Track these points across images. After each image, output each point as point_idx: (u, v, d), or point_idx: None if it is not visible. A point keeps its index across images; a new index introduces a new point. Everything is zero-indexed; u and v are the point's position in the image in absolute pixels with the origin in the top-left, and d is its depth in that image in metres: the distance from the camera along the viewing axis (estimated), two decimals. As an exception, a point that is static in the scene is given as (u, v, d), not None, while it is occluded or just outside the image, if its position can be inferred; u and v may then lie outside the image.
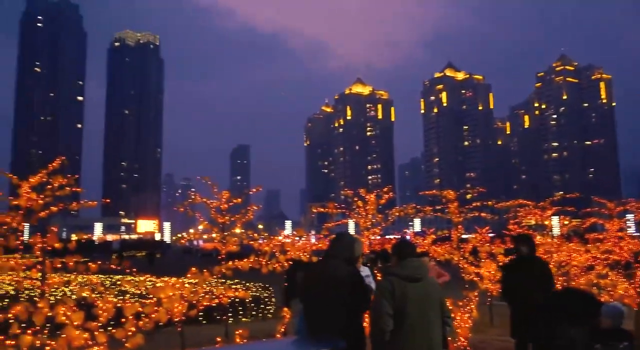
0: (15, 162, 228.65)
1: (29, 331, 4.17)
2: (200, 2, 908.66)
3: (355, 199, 11.89)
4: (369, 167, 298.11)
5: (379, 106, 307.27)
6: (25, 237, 7.06)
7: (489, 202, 15.49)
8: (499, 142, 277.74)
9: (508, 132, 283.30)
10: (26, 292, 11.93)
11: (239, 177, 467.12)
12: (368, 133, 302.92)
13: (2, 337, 4.07)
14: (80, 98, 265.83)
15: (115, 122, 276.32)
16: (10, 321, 4.27)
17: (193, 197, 11.20)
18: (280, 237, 11.47)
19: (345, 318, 4.35)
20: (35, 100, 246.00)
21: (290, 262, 7.77)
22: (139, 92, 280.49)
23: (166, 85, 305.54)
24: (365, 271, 6.39)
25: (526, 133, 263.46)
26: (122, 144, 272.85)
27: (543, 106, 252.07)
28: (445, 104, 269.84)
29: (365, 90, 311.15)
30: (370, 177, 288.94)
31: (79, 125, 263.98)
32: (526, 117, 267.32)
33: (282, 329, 6.92)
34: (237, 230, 11.56)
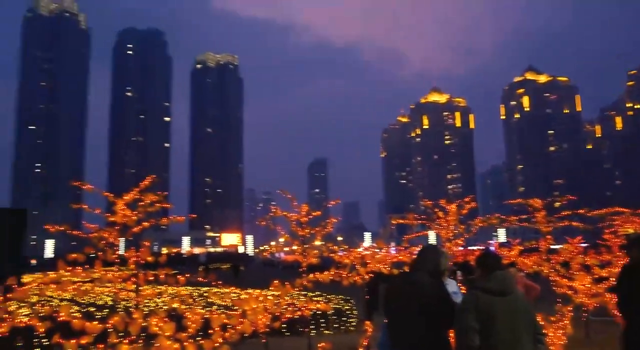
0: (111, 181, 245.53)
1: (126, 341, 4.40)
2: (276, 21, 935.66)
3: (436, 209, 11.61)
4: (449, 176, 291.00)
5: (457, 114, 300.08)
6: (121, 251, 7.51)
7: (581, 211, 14.52)
8: (589, 146, 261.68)
9: (599, 135, 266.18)
10: (123, 303, 12.65)
11: (317, 190, 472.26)
12: (446, 142, 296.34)
13: (102, 345, 4.32)
14: (167, 119, 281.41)
15: (199, 140, 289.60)
16: (109, 330, 4.53)
17: (274, 210, 11.42)
18: (360, 249, 11.39)
19: (430, 333, 4.21)
20: (128, 123, 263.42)
21: (371, 275, 7.69)
22: (221, 110, 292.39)
23: (245, 102, 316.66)
24: (452, 286, 6.15)
25: (619, 135, 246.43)
26: (206, 161, 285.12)
27: (637, 106, 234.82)
28: (527, 109, 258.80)
29: (441, 98, 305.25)
30: (450, 187, 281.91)
31: (167, 145, 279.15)
32: (618, 119, 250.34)
33: (365, 343, 6.84)
34: (317, 243, 11.63)
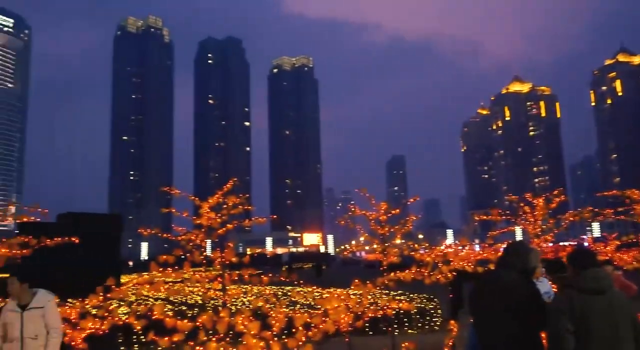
0: (196, 186, 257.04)
1: (214, 339, 4.57)
2: (348, 20, 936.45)
3: (522, 204, 11.08)
4: (535, 169, 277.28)
5: (542, 103, 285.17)
6: (208, 252, 7.81)
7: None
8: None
9: None
10: (211, 302, 13.17)
11: (395, 188, 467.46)
12: (531, 133, 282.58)
13: (192, 343, 4.52)
14: (247, 123, 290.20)
15: (278, 143, 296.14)
16: (199, 328, 4.72)
17: (353, 209, 11.42)
18: (442, 247, 11.12)
19: (520, 334, 4.01)
20: (210, 129, 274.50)
21: (455, 273, 7.48)
22: (297, 112, 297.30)
23: (321, 103, 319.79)
24: (544, 286, 5.81)
25: None
26: (285, 162, 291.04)
27: None
28: (620, 94, 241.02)
29: (524, 87, 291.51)
30: (536, 180, 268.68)
31: (247, 148, 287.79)
32: None
33: (450, 343, 6.66)
34: (397, 241, 11.48)
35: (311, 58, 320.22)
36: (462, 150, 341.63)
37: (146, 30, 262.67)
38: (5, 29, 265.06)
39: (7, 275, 5.15)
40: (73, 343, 5.25)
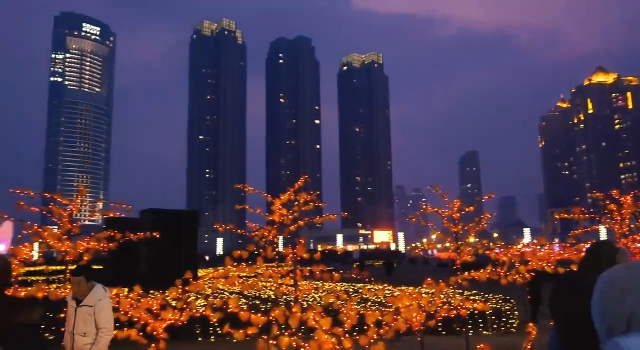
0: (268, 183, 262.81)
1: (286, 333, 4.64)
2: (417, 14, 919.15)
3: (607, 202, 10.42)
4: (621, 164, 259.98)
5: (628, 94, 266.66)
6: (280, 248, 7.95)
7: None
8: None
9: None
10: (284, 297, 13.41)
11: (468, 185, 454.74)
12: (616, 126, 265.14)
13: (265, 336, 4.61)
14: (317, 121, 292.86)
15: (348, 140, 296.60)
16: (272, 322, 4.82)
17: (424, 207, 11.22)
18: (519, 246, 10.67)
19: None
20: (282, 128, 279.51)
21: (533, 274, 7.15)
22: (367, 109, 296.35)
23: (391, 99, 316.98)
24: None
25: None
26: (355, 160, 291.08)
27: None
28: None
29: (608, 78, 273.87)
30: (623, 177, 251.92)
31: (317, 146, 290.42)
32: None
33: (529, 346, 6.38)
34: (471, 240, 11.16)
35: (381, 54, 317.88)
36: (540, 146, 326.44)
37: (220, 33, 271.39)
38: (93, 37, 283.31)
39: (75, 275, 5.12)
40: (155, 333, 5.51)
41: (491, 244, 10.82)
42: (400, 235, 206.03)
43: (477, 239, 11.51)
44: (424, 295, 6.19)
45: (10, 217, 6.19)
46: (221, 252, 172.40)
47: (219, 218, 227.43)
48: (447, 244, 10.62)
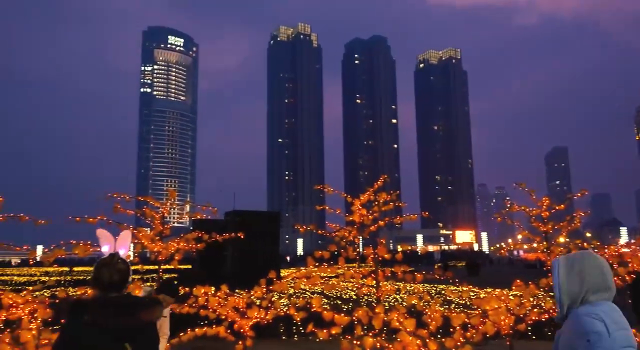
0: (346, 184, 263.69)
1: (370, 333, 4.61)
2: (495, 4, 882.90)
3: None
4: None
5: None
6: (360, 248, 7.91)
7: None
8: None
9: None
10: (365, 297, 13.38)
11: (557, 182, 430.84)
12: None
13: (349, 336, 4.61)
14: (394, 121, 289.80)
15: (426, 139, 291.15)
16: (355, 323, 4.81)
17: (509, 205, 10.73)
18: (616, 247, 9.94)
19: None
20: (359, 129, 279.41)
21: (633, 276, 6.64)
22: (446, 107, 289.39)
23: (471, 95, 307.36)
24: None
25: None
26: (434, 158, 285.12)
27: None
28: None
29: None
30: None
31: (395, 146, 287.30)
32: None
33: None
34: (561, 240, 10.53)
35: (459, 50, 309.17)
36: (637, 139, 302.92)
37: (296, 37, 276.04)
38: (177, 48, 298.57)
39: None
40: (241, 330, 5.67)
41: (585, 244, 10.16)
42: (484, 235, 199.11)
43: (568, 239, 10.85)
44: (511, 297, 5.93)
45: (108, 219, 6.61)
46: (301, 253, 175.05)
47: (299, 219, 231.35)
48: (534, 244, 10.10)
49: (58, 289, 15.20)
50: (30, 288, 5.04)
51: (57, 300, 4.87)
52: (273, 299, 6.26)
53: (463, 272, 45.10)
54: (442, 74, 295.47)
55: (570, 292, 2.29)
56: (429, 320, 4.83)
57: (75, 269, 51.38)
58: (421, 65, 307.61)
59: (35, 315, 4.26)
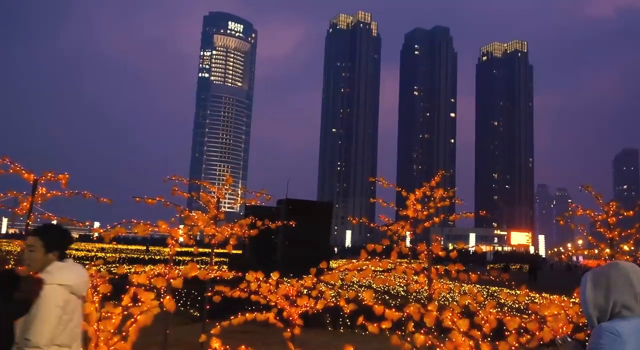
0: (399, 178, 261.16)
1: (422, 331, 4.60)
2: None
3: None
4: None
5: None
6: (409, 243, 7.86)
7: None
8: None
9: None
10: (414, 294, 13.30)
11: (624, 187, 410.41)
12: None
13: (399, 332, 4.61)
14: (452, 115, 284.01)
15: (485, 135, 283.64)
16: (404, 319, 4.80)
17: (572, 208, 10.34)
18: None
19: None
20: (415, 121, 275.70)
21: None
22: (508, 102, 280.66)
23: (536, 91, 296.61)
24: None
25: None
26: (492, 155, 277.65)
27: None
28: None
29: None
30: None
31: (452, 141, 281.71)
32: None
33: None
34: (626, 248, 10.07)
35: (525, 42, 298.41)
36: None
37: (356, 26, 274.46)
38: (237, 34, 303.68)
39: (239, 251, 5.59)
40: (290, 318, 5.78)
41: (654, 254, 9.68)
42: (541, 238, 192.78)
43: (632, 248, 10.36)
44: (572, 305, 5.75)
45: (166, 201, 6.86)
46: (349, 245, 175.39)
47: (349, 210, 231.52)
48: (596, 251, 9.71)
49: (115, 265, 15.97)
50: (93, 263, 5.34)
51: (117, 276, 5.14)
52: (322, 289, 6.34)
53: (522, 275, 43.90)
54: (506, 67, 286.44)
55: (598, 306, 2.28)
56: (483, 322, 4.76)
57: (151, 248, 54.13)
58: (484, 58, 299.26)
59: (98, 289, 4.51)
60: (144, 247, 56.24)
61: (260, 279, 5.98)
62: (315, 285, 6.01)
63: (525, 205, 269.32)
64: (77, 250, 41.28)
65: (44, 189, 6.44)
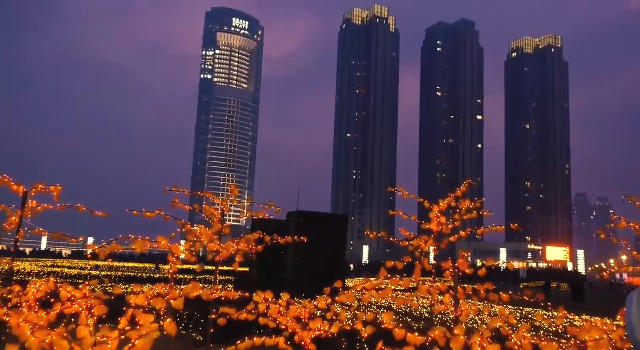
0: (421, 187, 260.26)
1: (447, 357, 4.56)
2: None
3: None
4: None
5: None
6: (432, 260, 7.81)
7: None
8: None
9: None
10: (439, 316, 13.20)
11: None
12: None
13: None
14: (479, 117, 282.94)
15: (516, 139, 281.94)
16: (430, 345, 4.77)
17: (613, 221, 10.21)
18: None
19: None
20: (437, 125, 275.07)
21: None
22: (541, 103, 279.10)
23: (572, 90, 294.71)
24: None
25: None
26: (524, 162, 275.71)
27: None
28: None
29: None
30: None
31: (479, 146, 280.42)
32: None
33: None
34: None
35: (559, 37, 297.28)
36: None
37: (372, 21, 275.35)
38: (242, 32, 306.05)
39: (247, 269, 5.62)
40: (302, 343, 5.77)
41: None
42: (580, 253, 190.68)
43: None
44: (615, 328, 5.68)
45: (166, 214, 6.91)
46: (367, 261, 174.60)
47: (366, 223, 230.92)
48: (645, 268, 9.57)
49: (110, 284, 16.03)
50: (87, 282, 5.36)
51: (112, 297, 5.16)
52: (337, 310, 6.31)
53: (565, 295, 43.35)
54: (539, 64, 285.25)
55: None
56: (516, 347, 4.71)
57: (162, 266, 53.38)
58: (514, 55, 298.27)
59: (93, 311, 4.53)
60: (154, 265, 56.13)
61: (269, 299, 5.98)
62: (330, 307, 6.00)
63: (561, 216, 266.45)
64: (69, 268, 41.62)
65: (34, 201, 6.52)
